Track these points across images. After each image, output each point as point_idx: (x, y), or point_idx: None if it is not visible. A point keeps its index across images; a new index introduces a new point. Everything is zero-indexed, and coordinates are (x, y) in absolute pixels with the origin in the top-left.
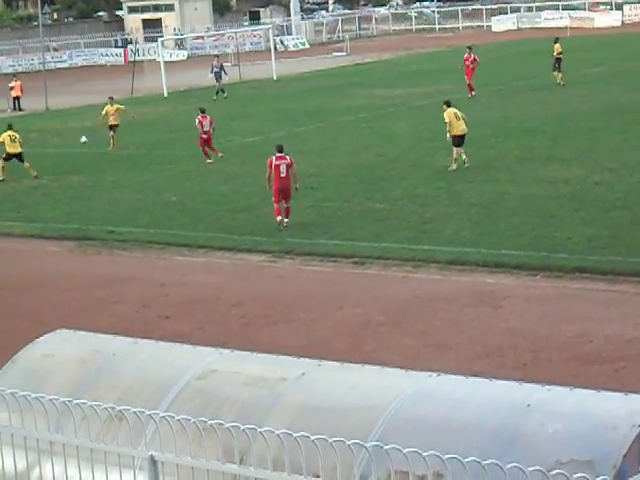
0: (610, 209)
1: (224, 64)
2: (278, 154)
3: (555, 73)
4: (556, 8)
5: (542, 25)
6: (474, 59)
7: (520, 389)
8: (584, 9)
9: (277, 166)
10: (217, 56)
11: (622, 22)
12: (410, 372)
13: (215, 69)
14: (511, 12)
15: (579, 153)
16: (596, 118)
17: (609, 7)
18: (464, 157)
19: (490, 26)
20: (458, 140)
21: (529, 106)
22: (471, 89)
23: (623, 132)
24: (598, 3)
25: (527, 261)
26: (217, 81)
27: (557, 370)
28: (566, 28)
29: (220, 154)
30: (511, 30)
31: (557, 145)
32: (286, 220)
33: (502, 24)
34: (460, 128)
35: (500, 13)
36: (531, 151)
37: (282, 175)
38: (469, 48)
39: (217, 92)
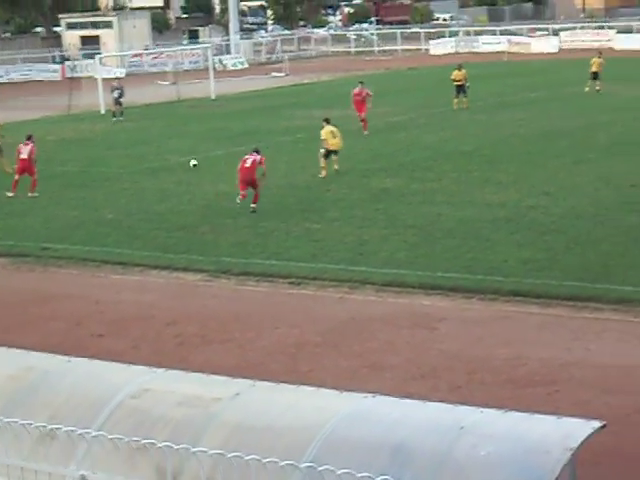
0: (545, 233)
1: (122, 87)
2: (253, 152)
3: (456, 100)
4: (494, 33)
5: (480, 49)
6: (367, 94)
7: (454, 411)
8: (522, 34)
9: (245, 159)
10: (117, 79)
11: (559, 48)
12: (345, 393)
13: (115, 92)
14: (449, 36)
15: (515, 177)
16: (532, 142)
17: (546, 33)
18: (335, 166)
19: (428, 49)
20: (329, 153)
21: (467, 129)
22: (365, 124)
23: (559, 156)
24: (535, 29)
25: (463, 283)
26: (116, 105)
27: (491, 393)
28: (504, 53)
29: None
30: (449, 54)
31: (494, 168)
32: (253, 205)
33: (440, 47)
34: (332, 143)
35: (438, 37)
36: (468, 174)
37: (247, 165)
38: (361, 83)
39: (114, 115)
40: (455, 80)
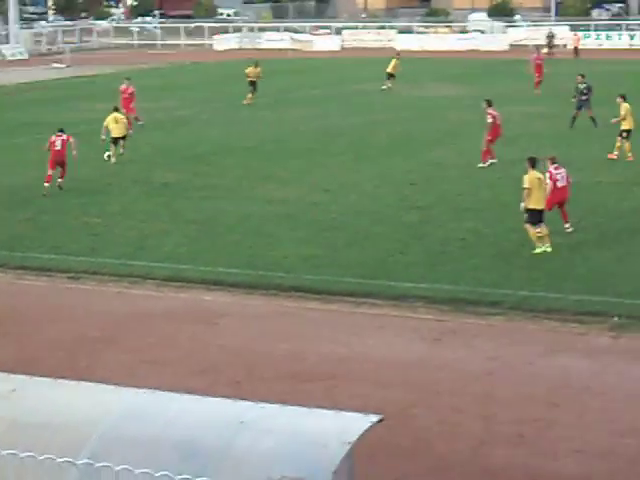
0: (326, 229)
1: None
2: (58, 132)
3: (250, 95)
4: (278, 30)
5: (264, 46)
6: (132, 92)
7: (234, 406)
8: (305, 32)
9: (53, 142)
10: None
11: (341, 46)
12: (124, 389)
13: None
14: (233, 32)
15: (296, 173)
16: (313, 139)
17: (329, 31)
18: (121, 150)
19: (212, 44)
20: (116, 140)
21: (250, 125)
22: (136, 119)
23: (339, 154)
24: (318, 27)
25: (244, 279)
26: None
27: (271, 387)
28: (287, 50)
29: None
30: (233, 49)
31: (275, 165)
32: (60, 180)
33: (224, 43)
34: (114, 128)
35: (222, 32)
36: (249, 169)
37: (57, 148)
38: (127, 79)
39: None
40: (249, 76)
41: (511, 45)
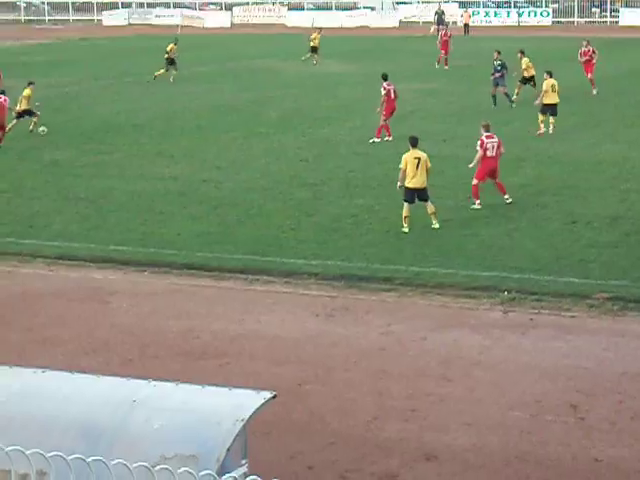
0: (218, 206)
1: None
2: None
3: (170, 72)
4: (168, 6)
5: (154, 22)
6: None
7: (126, 385)
8: (195, 8)
9: None
10: None
11: (231, 23)
12: (15, 369)
13: None
14: (122, 7)
15: (187, 150)
16: (204, 116)
17: (219, 7)
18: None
19: (101, 20)
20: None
21: (139, 102)
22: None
23: (230, 131)
24: (208, 3)
25: (135, 257)
26: None
27: (164, 366)
28: (177, 26)
29: None
30: (122, 26)
31: (166, 142)
32: None
33: (113, 19)
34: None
35: (112, 8)
36: (140, 147)
37: None
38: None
39: None
40: (168, 53)
41: (401, 22)
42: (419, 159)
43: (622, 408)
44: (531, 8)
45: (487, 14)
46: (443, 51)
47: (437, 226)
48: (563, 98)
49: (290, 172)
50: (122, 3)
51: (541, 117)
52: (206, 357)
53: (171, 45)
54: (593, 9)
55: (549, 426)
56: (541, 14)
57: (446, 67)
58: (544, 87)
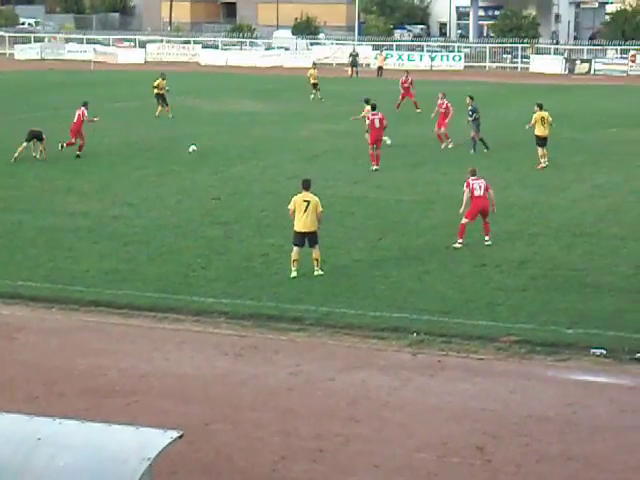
0: (128, 243)
1: None
2: None
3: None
4: (81, 41)
5: (67, 57)
6: None
7: (31, 422)
8: (108, 44)
9: None
10: None
11: (145, 60)
12: None
13: None
14: (35, 42)
15: (99, 186)
16: (117, 153)
17: (133, 44)
18: None
19: (13, 54)
20: None
21: (51, 137)
22: None
23: (143, 168)
24: (122, 39)
25: (43, 293)
26: None
27: (70, 403)
28: (90, 62)
29: None
30: (35, 60)
31: (77, 177)
32: None
33: (26, 53)
34: None
35: (24, 42)
36: (50, 182)
37: None
38: None
39: None
40: (157, 89)
41: (315, 63)
42: (309, 202)
43: (528, 451)
44: (444, 52)
45: (400, 57)
46: (408, 97)
47: (320, 273)
48: (467, 143)
49: (202, 210)
50: (35, 37)
51: (540, 151)
52: (113, 395)
53: (158, 80)
54: (504, 55)
55: (455, 468)
56: (453, 58)
57: (418, 110)
58: (533, 120)
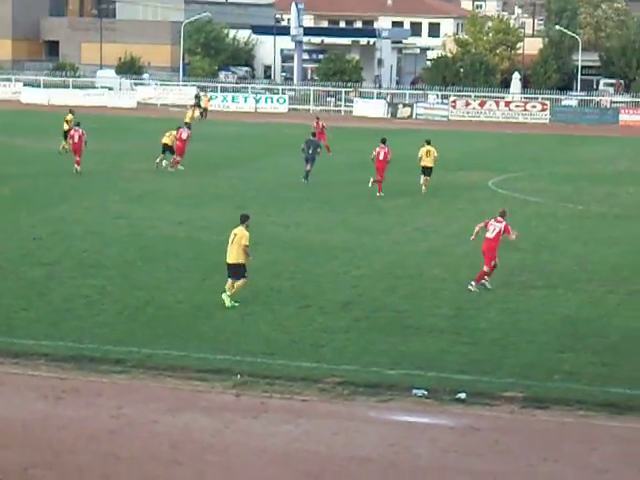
0: None
1: None
2: None
3: None
4: None
5: None
6: None
7: None
8: None
9: None
10: None
11: None
12: None
13: None
14: None
15: None
16: None
17: None
18: None
19: None
20: None
21: None
22: None
23: None
24: None
25: None
26: None
27: None
28: None
29: None
30: None
31: None
32: None
33: None
34: None
35: None
36: None
37: None
38: None
39: None
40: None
41: (139, 103)
42: (235, 235)
43: None
44: (268, 94)
45: (225, 99)
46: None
47: (228, 305)
48: (293, 185)
49: (22, 251)
50: None
51: (422, 179)
52: None
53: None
54: (328, 98)
55: None
56: (278, 101)
57: (330, 153)
58: (419, 153)
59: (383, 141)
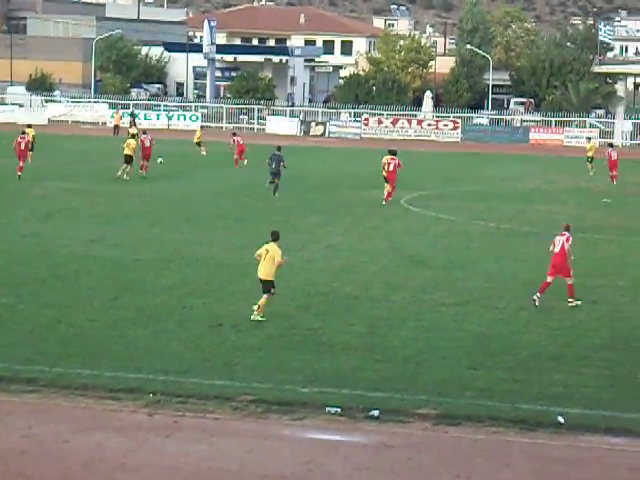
0: None
1: None
2: None
3: None
4: None
5: None
6: None
7: None
8: None
9: None
10: None
11: None
12: None
13: None
14: None
15: None
16: None
17: None
18: None
19: None
20: None
21: None
22: None
23: None
24: None
25: None
26: None
27: None
28: None
29: None
30: None
31: None
32: None
33: None
34: None
35: None
36: None
37: None
38: None
39: None
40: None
41: (50, 120)
42: (268, 251)
43: None
44: (181, 112)
45: (137, 116)
46: (239, 156)
47: (259, 318)
48: (206, 203)
49: None
50: None
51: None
52: None
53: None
54: (241, 116)
55: None
56: (190, 118)
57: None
58: (383, 160)
59: (393, 153)
